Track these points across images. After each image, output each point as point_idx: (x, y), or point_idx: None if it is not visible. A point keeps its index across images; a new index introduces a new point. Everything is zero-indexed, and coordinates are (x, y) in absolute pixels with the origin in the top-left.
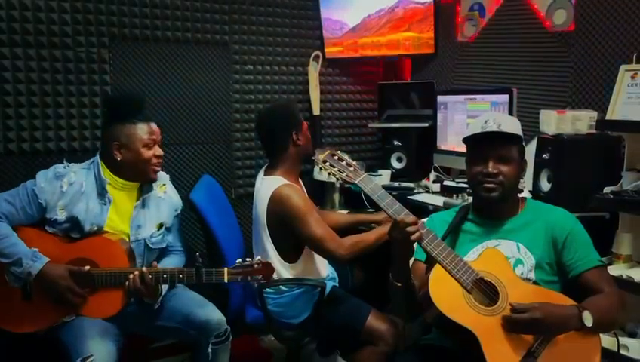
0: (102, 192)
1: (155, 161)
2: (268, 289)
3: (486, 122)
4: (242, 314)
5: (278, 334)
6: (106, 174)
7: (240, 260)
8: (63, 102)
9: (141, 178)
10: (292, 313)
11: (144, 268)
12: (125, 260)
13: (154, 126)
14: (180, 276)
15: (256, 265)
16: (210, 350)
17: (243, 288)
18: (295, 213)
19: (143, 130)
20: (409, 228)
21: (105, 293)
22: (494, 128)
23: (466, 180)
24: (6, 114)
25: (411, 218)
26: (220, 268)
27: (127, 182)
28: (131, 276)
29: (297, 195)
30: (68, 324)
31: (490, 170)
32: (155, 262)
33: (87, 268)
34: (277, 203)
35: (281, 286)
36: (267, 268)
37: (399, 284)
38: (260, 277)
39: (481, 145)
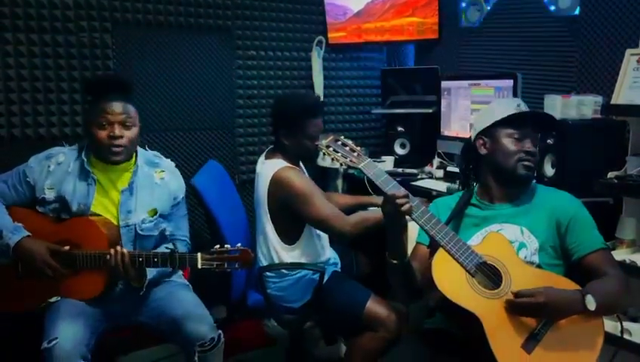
0: (85, 172)
1: (109, 141)
2: (268, 273)
3: (518, 105)
4: (244, 298)
5: (279, 318)
6: (90, 156)
7: (218, 246)
8: (66, 88)
9: (103, 159)
10: (292, 297)
11: (124, 249)
12: (105, 243)
13: (115, 106)
14: (155, 259)
15: (232, 252)
16: (196, 358)
17: (245, 272)
18: (298, 194)
19: (99, 109)
20: (398, 200)
21: (87, 274)
22: (527, 110)
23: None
24: (9, 99)
25: (402, 191)
26: (193, 253)
27: (105, 164)
28: (112, 252)
29: (299, 177)
30: (52, 305)
31: (532, 148)
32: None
33: (66, 247)
34: (278, 185)
35: (282, 270)
36: (245, 254)
37: (395, 262)
38: (236, 264)
39: (523, 124)
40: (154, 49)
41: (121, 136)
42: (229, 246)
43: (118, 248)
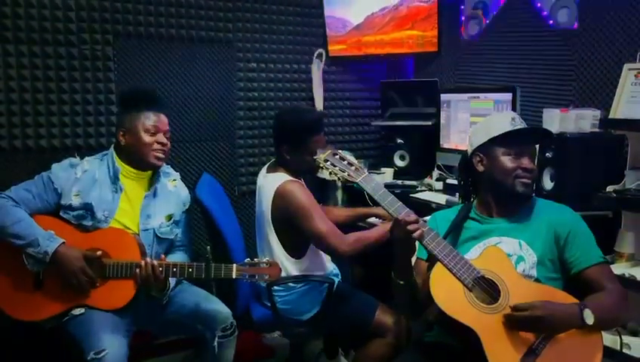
0: (114, 180)
1: (156, 146)
2: (276, 287)
3: (513, 119)
4: (249, 312)
5: (288, 331)
6: (119, 163)
7: (249, 259)
8: (67, 100)
9: (144, 163)
10: (300, 309)
11: (155, 261)
12: (137, 253)
13: (161, 116)
14: (190, 270)
15: (264, 264)
16: (215, 343)
17: (250, 286)
18: (299, 209)
19: (147, 117)
20: (410, 227)
21: (114, 284)
22: (524, 125)
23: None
24: (11, 111)
25: (412, 216)
26: (229, 264)
27: (136, 171)
28: (143, 263)
29: (301, 191)
30: (79, 318)
31: (529, 165)
32: (163, 256)
33: (99, 252)
34: (281, 198)
35: (289, 283)
36: (274, 268)
37: (402, 282)
38: (267, 276)
39: (519, 140)
40: (155, 61)
41: (167, 144)
42: (258, 259)
43: (149, 259)
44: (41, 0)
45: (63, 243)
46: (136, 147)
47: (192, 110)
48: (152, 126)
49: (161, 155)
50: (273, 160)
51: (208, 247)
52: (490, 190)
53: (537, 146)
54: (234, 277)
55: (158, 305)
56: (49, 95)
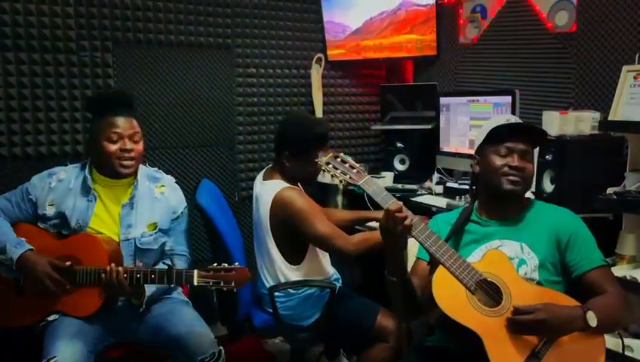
0: (87, 189)
1: (120, 154)
2: (276, 293)
3: (508, 120)
4: (250, 318)
5: (290, 337)
6: (94, 173)
7: (215, 264)
8: (67, 106)
9: (111, 173)
10: (302, 315)
11: (119, 267)
12: (105, 259)
13: (125, 120)
14: (152, 276)
15: (229, 270)
16: None
17: (250, 292)
18: (300, 215)
19: (108, 124)
20: (398, 215)
21: (84, 291)
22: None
23: (469, 181)
24: (10, 118)
25: (398, 206)
26: (190, 270)
27: (110, 179)
28: (108, 269)
29: (300, 197)
30: (52, 324)
31: (516, 163)
32: (139, 263)
33: (68, 263)
34: (280, 206)
35: (289, 289)
36: (241, 273)
37: (394, 279)
38: (232, 283)
39: (507, 138)
40: (154, 67)
41: (132, 150)
42: (225, 264)
43: (113, 265)
44: (40, 7)
45: (31, 249)
46: (101, 157)
47: (191, 115)
48: (113, 133)
49: (127, 163)
50: (270, 165)
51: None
52: (484, 190)
53: (537, 149)
54: (195, 283)
55: (136, 319)
56: (48, 102)
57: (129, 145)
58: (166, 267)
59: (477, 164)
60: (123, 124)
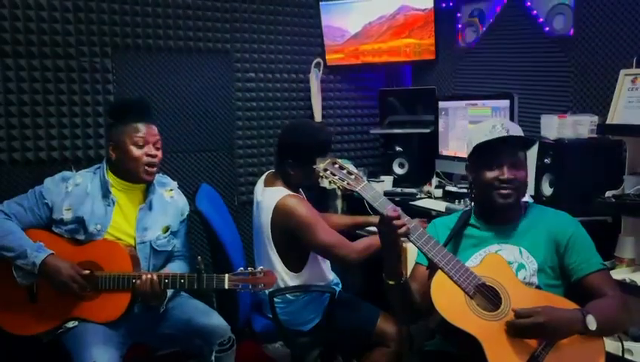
0: (106, 193)
1: (145, 159)
2: (275, 299)
3: (493, 127)
4: (250, 323)
5: (290, 341)
6: (110, 176)
7: (242, 268)
8: (66, 112)
9: (134, 178)
10: (302, 320)
11: (154, 274)
12: (129, 264)
13: (148, 127)
14: (182, 281)
15: (257, 274)
16: (213, 358)
17: (250, 297)
18: (303, 223)
19: (134, 129)
20: (395, 222)
21: (107, 297)
22: (504, 133)
23: (467, 185)
24: (10, 124)
25: (396, 212)
26: (221, 274)
27: (128, 183)
28: (144, 277)
29: (302, 205)
30: (72, 331)
31: (507, 175)
32: (167, 269)
33: (86, 271)
34: (282, 214)
35: (287, 295)
36: (269, 276)
37: (391, 282)
38: (261, 285)
39: (495, 150)
40: (154, 72)
41: (156, 156)
42: (252, 268)
43: (149, 274)
44: (39, 14)
45: (52, 254)
46: (126, 161)
47: (191, 121)
48: (139, 138)
49: (151, 169)
50: (270, 171)
51: (199, 258)
52: (479, 201)
53: (535, 153)
54: (226, 287)
55: (154, 317)
56: (48, 108)
57: (155, 150)
58: (194, 273)
59: (469, 172)
60: (148, 130)
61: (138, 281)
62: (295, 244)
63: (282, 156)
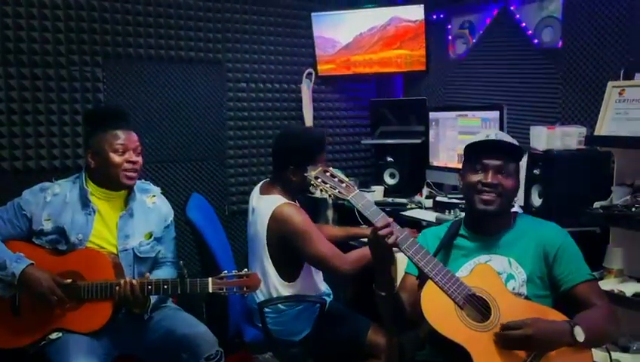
0: (85, 202)
1: (126, 166)
2: (266, 309)
3: (487, 135)
4: (240, 333)
5: (280, 352)
6: (89, 185)
7: (226, 271)
8: (56, 121)
9: (115, 184)
10: (292, 330)
11: (133, 279)
12: (111, 272)
13: (128, 133)
14: (165, 286)
15: (240, 277)
16: None
17: (241, 307)
18: (298, 232)
19: (113, 136)
20: (383, 232)
21: (90, 306)
22: (494, 138)
23: (458, 195)
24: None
25: (385, 221)
26: (204, 278)
27: (108, 191)
28: (122, 282)
29: (299, 214)
30: (55, 342)
31: (490, 180)
32: (147, 274)
33: (68, 281)
34: (278, 221)
35: (279, 305)
36: (253, 279)
37: (383, 294)
38: (245, 288)
39: (482, 153)
40: (145, 82)
41: (137, 162)
42: (236, 271)
43: (128, 279)
44: (30, 22)
45: (32, 264)
46: (106, 168)
47: (182, 130)
48: (119, 145)
49: (132, 174)
50: (266, 179)
51: (181, 262)
52: (465, 206)
53: (524, 164)
54: (210, 291)
55: (139, 327)
56: (37, 116)
57: (135, 157)
58: (177, 277)
59: (459, 179)
60: (128, 136)
61: (117, 287)
62: (290, 253)
63: (282, 163)
